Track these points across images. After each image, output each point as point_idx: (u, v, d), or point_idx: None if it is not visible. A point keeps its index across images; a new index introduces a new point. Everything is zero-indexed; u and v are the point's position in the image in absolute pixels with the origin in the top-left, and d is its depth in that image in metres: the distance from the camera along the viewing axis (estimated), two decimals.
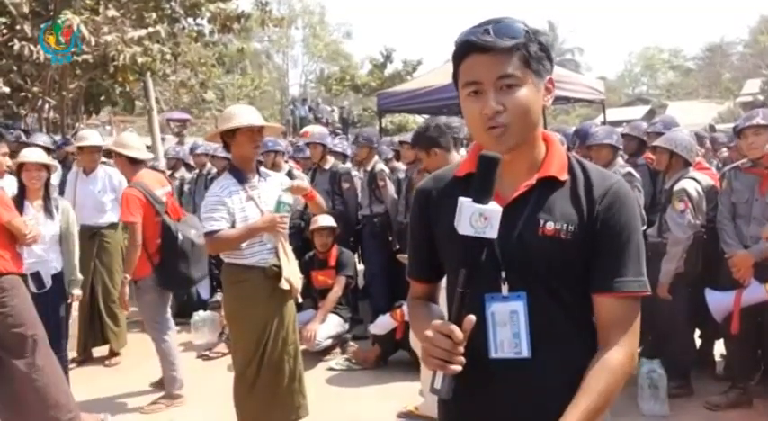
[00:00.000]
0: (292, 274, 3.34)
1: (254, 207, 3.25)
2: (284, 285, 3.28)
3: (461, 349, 1.21)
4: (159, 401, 4.31)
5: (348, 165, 6.53)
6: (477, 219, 1.18)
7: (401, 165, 6.27)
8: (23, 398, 3.41)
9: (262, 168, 3.44)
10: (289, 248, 3.41)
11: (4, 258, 3.41)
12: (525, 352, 1.31)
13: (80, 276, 4.15)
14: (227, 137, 3.25)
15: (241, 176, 3.27)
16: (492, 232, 1.19)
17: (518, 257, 1.31)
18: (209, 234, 3.18)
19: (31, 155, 3.94)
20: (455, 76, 1.34)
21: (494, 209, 1.19)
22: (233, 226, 3.18)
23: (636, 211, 1.34)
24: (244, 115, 3.27)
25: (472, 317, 1.22)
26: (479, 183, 1.21)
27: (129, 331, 5.92)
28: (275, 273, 3.27)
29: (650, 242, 4.11)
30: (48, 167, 3.95)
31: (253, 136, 3.26)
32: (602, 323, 1.32)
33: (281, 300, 3.32)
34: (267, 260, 3.28)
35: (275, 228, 3.22)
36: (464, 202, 1.19)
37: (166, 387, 4.35)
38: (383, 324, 4.77)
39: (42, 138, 5.32)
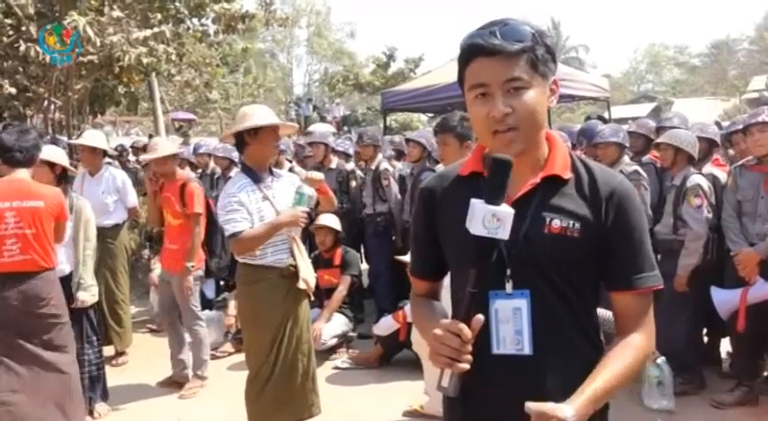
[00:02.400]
0: (308, 273, 3.33)
1: (269, 207, 3.23)
2: (302, 285, 3.27)
3: (469, 347, 1.23)
4: (192, 386, 4.52)
5: (351, 164, 6.54)
6: (490, 219, 1.20)
7: (398, 164, 6.29)
8: (56, 389, 3.49)
9: (274, 168, 3.43)
10: (303, 247, 3.40)
11: (51, 255, 3.53)
12: (527, 348, 1.33)
13: (90, 281, 4.05)
14: (249, 135, 3.22)
15: (255, 176, 3.26)
16: (504, 233, 1.21)
17: (523, 255, 1.33)
18: (233, 235, 3.13)
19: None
20: (461, 78, 1.35)
21: (507, 210, 1.20)
22: (251, 226, 3.16)
23: (642, 208, 1.38)
24: (264, 114, 3.27)
25: (481, 317, 1.23)
26: (491, 184, 1.22)
27: (135, 331, 5.95)
28: (292, 273, 3.26)
29: (662, 239, 4.11)
30: (52, 165, 3.94)
31: (274, 135, 3.28)
32: (621, 317, 1.37)
33: (296, 300, 3.32)
34: (283, 260, 3.27)
35: (297, 222, 3.20)
36: (476, 203, 1.21)
37: (195, 370, 4.59)
38: (386, 325, 4.77)
39: None
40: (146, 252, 8.13)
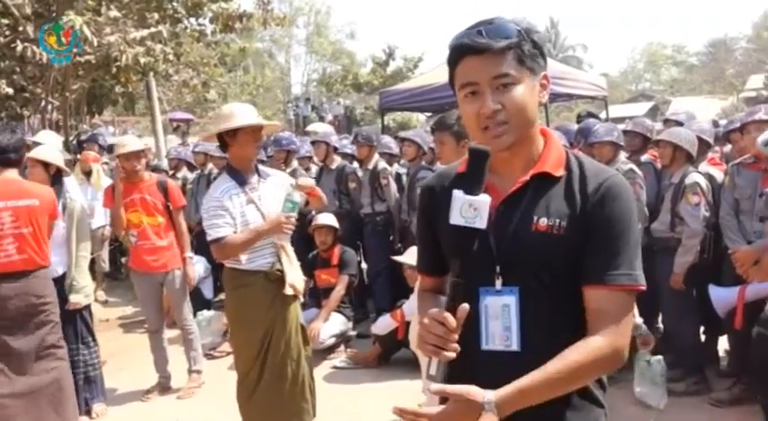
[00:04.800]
0: (296, 278, 3.28)
1: (254, 210, 3.18)
2: (288, 291, 3.22)
3: (455, 336, 1.25)
4: (190, 385, 4.54)
5: (355, 164, 6.55)
6: (467, 209, 1.23)
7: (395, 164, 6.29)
8: (49, 389, 3.50)
9: (261, 168, 3.37)
10: (291, 250, 3.34)
11: (46, 253, 3.55)
12: (515, 345, 1.33)
13: (83, 282, 4.04)
14: (228, 137, 3.16)
15: (240, 178, 3.20)
16: (481, 222, 1.23)
17: (512, 252, 1.33)
18: (215, 241, 3.10)
19: (34, 151, 4.09)
20: (451, 78, 1.37)
21: (482, 199, 1.23)
22: (235, 230, 3.12)
23: (631, 206, 1.33)
24: (244, 114, 3.19)
25: (466, 306, 1.25)
26: (469, 175, 1.26)
27: (131, 332, 5.97)
28: (278, 277, 3.22)
29: (659, 237, 4.12)
30: (46, 165, 3.95)
31: (255, 135, 3.20)
32: (590, 316, 1.31)
33: (284, 304, 3.27)
34: (269, 263, 3.23)
35: (282, 230, 3.14)
36: (456, 194, 1.25)
37: (195, 366, 4.62)
38: (384, 324, 4.77)
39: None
40: None
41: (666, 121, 4.92)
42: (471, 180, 1.25)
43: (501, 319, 1.33)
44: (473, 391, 1.22)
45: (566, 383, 1.27)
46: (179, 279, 4.48)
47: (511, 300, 1.33)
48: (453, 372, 1.27)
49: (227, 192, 3.15)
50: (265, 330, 3.22)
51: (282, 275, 3.22)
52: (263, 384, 3.24)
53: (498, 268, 1.34)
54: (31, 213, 3.43)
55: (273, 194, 3.25)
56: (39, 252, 3.44)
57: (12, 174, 3.48)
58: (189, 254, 4.57)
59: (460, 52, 1.31)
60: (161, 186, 4.50)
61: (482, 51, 1.27)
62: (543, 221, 1.32)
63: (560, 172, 1.36)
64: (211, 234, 3.11)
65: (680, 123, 4.78)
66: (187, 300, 4.60)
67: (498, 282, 1.34)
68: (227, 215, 3.10)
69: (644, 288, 1.31)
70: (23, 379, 3.39)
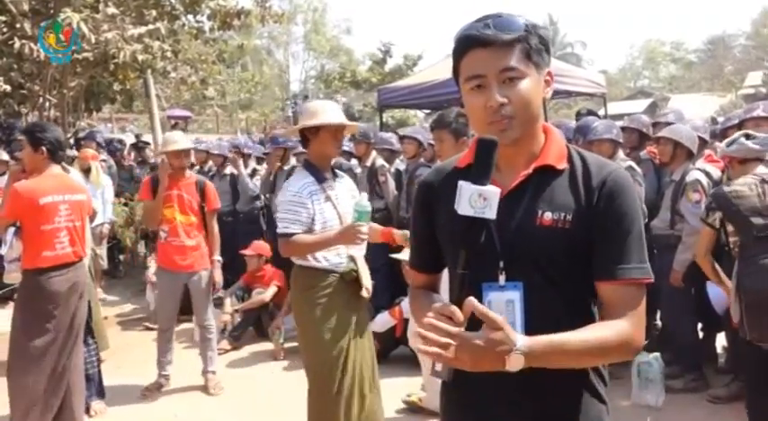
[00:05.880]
0: (368, 280, 3.21)
1: (331, 208, 3.12)
2: (365, 293, 3.15)
3: (462, 330, 1.21)
4: (213, 382, 4.52)
5: (354, 161, 6.54)
6: (477, 199, 1.20)
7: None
8: (73, 379, 3.61)
9: (335, 169, 3.33)
10: (362, 258, 3.25)
11: (85, 245, 3.73)
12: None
13: None
14: (310, 133, 3.14)
15: (319, 175, 3.14)
16: (491, 212, 1.21)
17: (516, 247, 1.32)
18: (284, 236, 3.03)
19: None
20: (455, 71, 1.35)
21: (492, 189, 1.21)
22: (311, 227, 3.04)
23: (636, 199, 1.34)
24: (328, 112, 3.16)
25: (472, 298, 1.21)
26: (478, 165, 1.23)
27: (129, 329, 5.95)
28: (353, 278, 3.13)
29: (659, 234, 4.11)
30: None
31: (336, 134, 3.17)
32: (606, 310, 1.32)
33: (357, 306, 3.18)
34: (343, 264, 3.14)
35: (353, 240, 3.03)
36: (463, 184, 1.22)
37: (210, 367, 4.59)
38: (382, 322, 4.76)
39: None
40: (140, 247, 8.11)
41: (656, 124, 4.90)
42: (479, 171, 1.22)
43: (505, 315, 1.30)
44: (510, 328, 1.19)
45: (590, 353, 1.27)
46: (205, 280, 4.47)
47: (515, 296, 1.32)
48: (455, 369, 1.25)
49: (307, 187, 3.09)
50: (343, 333, 3.09)
51: (358, 277, 3.14)
52: (344, 397, 3.09)
53: (502, 263, 1.32)
54: (81, 207, 3.62)
55: (347, 196, 3.22)
56: (82, 244, 3.60)
57: (59, 169, 3.61)
58: (217, 256, 4.55)
59: (467, 44, 1.29)
60: (199, 186, 4.51)
61: (489, 44, 1.26)
62: (548, 215, 1.31)
63: (563, 165, 1.35)
64: (281, 227, 3.04)
65: (670, 123, 4.76)
66: (210, 301, 4.61)
67: (502, 278, 1.32)
68: (304, 212, 3.03)
69: (653, 280, 1.32)
70: (60, 370, 3.49)
